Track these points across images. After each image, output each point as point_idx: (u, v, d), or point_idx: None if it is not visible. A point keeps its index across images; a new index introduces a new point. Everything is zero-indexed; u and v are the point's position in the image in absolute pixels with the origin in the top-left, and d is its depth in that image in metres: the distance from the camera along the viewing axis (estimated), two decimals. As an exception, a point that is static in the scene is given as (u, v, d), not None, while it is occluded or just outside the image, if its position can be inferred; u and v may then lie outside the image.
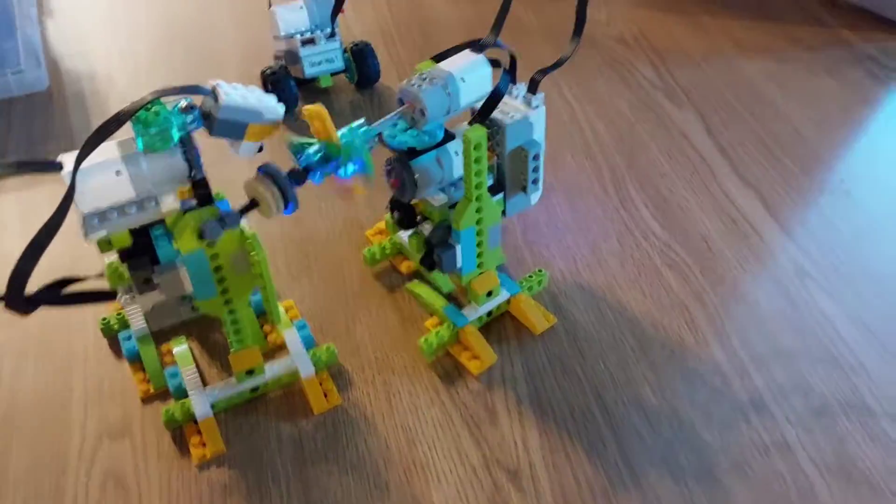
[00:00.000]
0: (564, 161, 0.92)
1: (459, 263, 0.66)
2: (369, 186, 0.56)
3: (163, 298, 0.59)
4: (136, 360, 0.67)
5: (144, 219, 0.52)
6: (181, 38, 1.11)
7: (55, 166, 0.49)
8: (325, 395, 0.65)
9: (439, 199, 0.64)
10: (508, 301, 0.72)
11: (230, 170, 0.70)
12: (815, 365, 0.68)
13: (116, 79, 1.03)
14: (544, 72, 0.63)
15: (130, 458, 0.62)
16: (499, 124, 0.62)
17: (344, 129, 0.56)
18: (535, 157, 0.64)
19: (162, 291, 0.54)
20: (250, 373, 0.63)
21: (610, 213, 0.85)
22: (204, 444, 0.61)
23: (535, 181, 0.66)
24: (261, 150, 0.56)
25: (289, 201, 0.51)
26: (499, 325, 0.73)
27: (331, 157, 0.53)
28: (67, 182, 0.48)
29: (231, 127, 0.52)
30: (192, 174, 0.53)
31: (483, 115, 0.60)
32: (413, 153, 0.61)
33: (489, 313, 0.72)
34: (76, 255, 0.68)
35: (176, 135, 0.50)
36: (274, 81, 0.94)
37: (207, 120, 0.52)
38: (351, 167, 0.54)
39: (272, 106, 0.53)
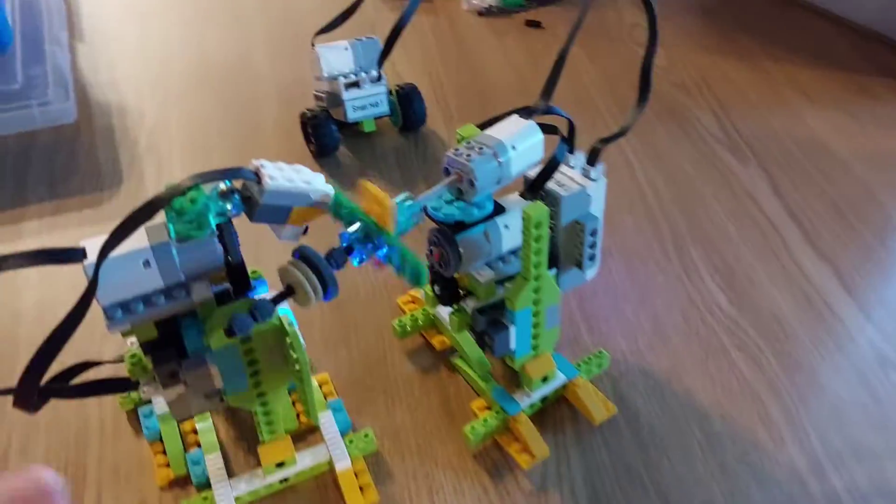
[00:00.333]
0: (622, 222, 0.85)
1: (513, 346, 0.60)
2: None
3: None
4: (156, 440, 0.61)
5: (173, 310, 0.47)
6: (216, 69, 1.06)
7: (77, 255, 0.43)
8: (362, 490, 0.59)
9: (485, 275, 0.58)
10: (565, 386, 0.65)
11: (267, 245, 0.64)
12: (907, 475, 0.61)
13: (147, 113, 0.98)
14: (606, 141, 0.58)
15: (146, 555, 0.56)
16: (554, 196, 0.56)
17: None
18: (593, 233, 0.58)
19: (189, 387, 0.48)
20: (280, 465, 0.57)
21: (672, 282, 0.78)
22: (227, 544, 0.55)
23: (591, 257, 0.60)
24: (305, 232, 0.50)
25: (328, 287, 0.45)
26: (553, 413, 0.66)
27: (371, 236, 0.47)
28: (89, 275, 0.42)
29: (275, 211, 0.46)
30: (228, 259, 0.47)
31: (537, 185, 0.55)
32: (459, 226, 0.55)
33: (543, 399, 0.65)
34: (92, 329, 0.62)
35: (213, 222, 0.45)
36: (315, 125, 0.88)
37: (248, 204, 0.46)
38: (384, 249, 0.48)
39: (320, 187, 0.48)
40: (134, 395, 0.64)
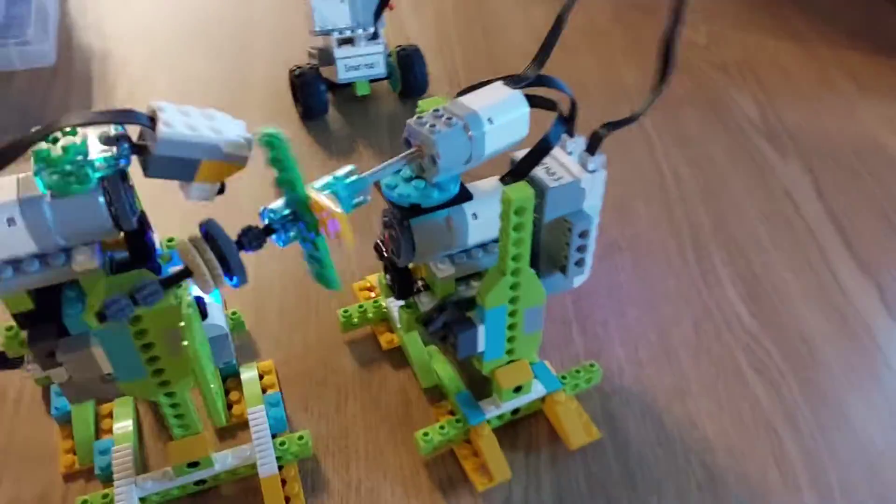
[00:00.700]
0: (635, 210, 0.75)
1: (481, 348, 0.50)
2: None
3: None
4: (66, 423, 0.54)
5: (51, 278, 0.39)
6: (211, 18, 0.98)
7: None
8: (287, 501, 0.51)
9: (444, 270, 0.48)
10: (543, 399, 0.56)
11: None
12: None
13: (131, 61, 0.90)
14: (613, 126, 0.47)
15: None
16: (539, 185, 0.46)
17: (327, 178, 0.41)
18: (583, 235, 0.48)
19: (69, 372, 0.40)
20: (194, 465, 0.49)
21: (686, 288, 0.68)
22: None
23: (578, 262, 0.50)
24: (222, 191, 0.41)
25: (232, 274, 0.37)
26: (529, 427, 0.57)
27: (302, 216, 0.39)
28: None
29: (176, 165, 0.38)
30: (119, 224, 0.38)
31: (522, 170, 0.45)
32: (417, 210, 0.46)
33: (515, 410, 0.56)
34: None
35: (94, 175, 0.36)
36: (302, 84, 0.80)
37: (143, 154, 0.37)
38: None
39: (235, 138, 0.39)
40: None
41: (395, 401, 0.58)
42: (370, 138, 0.82)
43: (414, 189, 0.45)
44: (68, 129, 0.36)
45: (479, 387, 0.56)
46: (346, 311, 0.62)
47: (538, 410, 0.57)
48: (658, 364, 0.62)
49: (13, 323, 0.41)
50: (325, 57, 0.81)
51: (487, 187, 0.48)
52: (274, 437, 0.52)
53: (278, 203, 0.39)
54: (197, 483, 0.51)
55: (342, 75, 0.80)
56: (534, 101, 0.46)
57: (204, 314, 0.45)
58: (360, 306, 0.62)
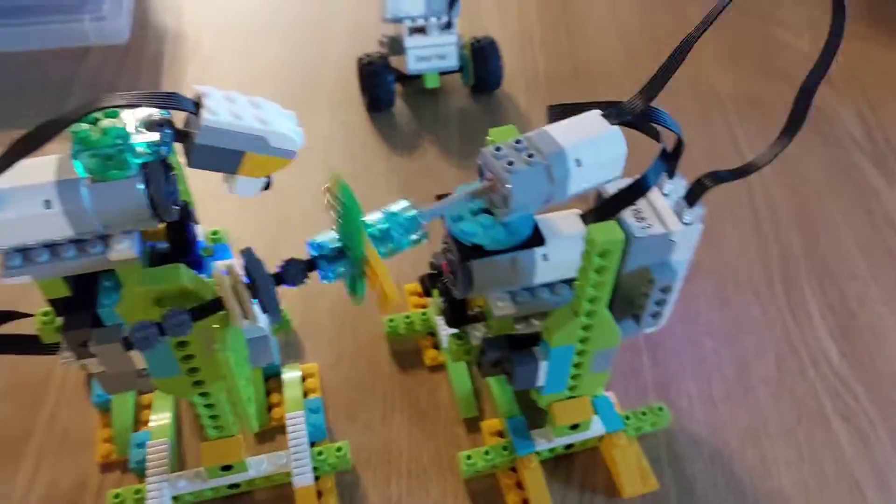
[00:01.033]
0: (721, 231, 0.69)
1: (540, 382, 0.46)
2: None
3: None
4: (106, 411, 0.53)
5: (87, 265, 0.37)
6: (287, 5, 0.96)
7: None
8: (323, 517, 0.48)
9: (503, 308, 0.43)
10: (600, 437, 0.51)
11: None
12: None
13: (203, 42, 0.89)
14: (720, 178, 0.41)
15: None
16: (624, 231, 0.40)
17: (378, 214, 0.38)
18: (665, 290, 0.43)
19: (102, 364, 0.38)
20: (227, 468, 0.47)
21: (771, 319, 0.62)
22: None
23: (655, 315, 0.44)
24: (268, 186, 0.38)
25: (267, 312, 0.35)
26: (584, 463, 0.52)
27: (347, 254, 0.36)
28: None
29: (219, 156, 0.35)
30: (159, 214, 0.36)
31: (608, 211, 0.40)
32: (480, 252, 0.41)
33: (569, 444, 0.52)
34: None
35: (134, 161, 0.34)
36: (370, 73, 0.77)
37: (186, 142, 0.35)
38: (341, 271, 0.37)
39: (284, 131, 0.36)
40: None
41: (444, 417, 0.55)
42: (437, 133, 0.78)
43: (480, 227, 0.40)
44: (109, 111, 0.34)
45: (533, 410, 0.52)
46: (391, 321, 0.58)
47: (595, 447, 0.53)
48: (733, 402, 0.56)
49: (49, 308, 0.39)
50: (396, 46, 0.78)
51: (564, 226, 0.42)
52: (312, 445, 0.50)
53: (327, 236, 0.36)
54: (230, 486, 0.48)
55: (412, 66, 0.76)
56: (634, 124, 0.40)
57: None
58: (407, 317, 0.58)
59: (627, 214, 0.41)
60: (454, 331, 0.49)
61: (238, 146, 0.35)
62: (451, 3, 0.73)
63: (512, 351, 0.43)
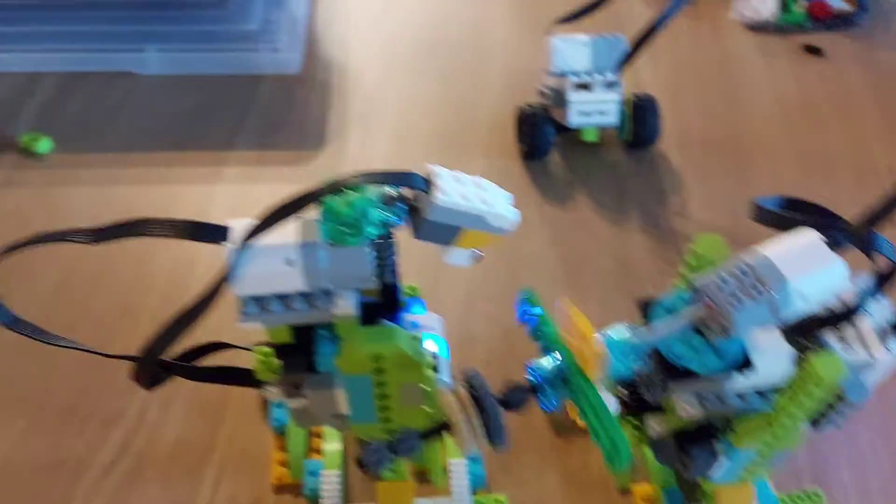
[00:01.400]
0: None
1: (717, 475, 0.46)
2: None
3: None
4: (280, 434, 0.57)
5: (312, 318, 0.40)
6: (447, 42, 1.00)
7: (220, 235, 0.38)
8: (477, 568, 0.50)
9: (689, 410, 0.43)
10: (756, 518, 0.51)
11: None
12: None
13: (368, 77, 0.94)
14: None
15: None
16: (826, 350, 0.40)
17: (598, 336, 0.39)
18: (852, 406, 0.43)
19: (309, 405, 0.42)
20: (399, 509, 0.50)
21: (932, 413, 0.60)
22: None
23: (836, 423, 0.45)
24: (480, 258, 0.41)
25: (493, 438, 0.37)
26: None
27: (567, 381, 0.38)
28: (226, 259, 0.37)
29: (442, 231, 0.38)
30: (382, 277, 0.39)
31: (811, 328, 0.40)
32: (684, 372, 0.41)
33: (725, 521, 0.52)
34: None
35: (370, 232, 0.37)
36: (531, 123, 0.79)
37: (414, 216, 0.38)
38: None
39: (501, 212, 0.39)
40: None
41: (596, 479, 0.56)
42: (591, 186, 0.79)
43: (692, 351, 0.39)
44: (354, 185, 0.37)
45: (682, 479, 0.53)
46: None
47: (748, 526, 0.53)
48: (888, 497, 0.55)
49: (268, 350, 0.43)
50: (557, 98, 0.80)
51: (768, 344, 0.41)
52: (473, 493, 0.52)
53: (549, 361, 0.38)
54: (395, 525, 0.51)
55: (573, 120, 0.78)
56: (840, 230, 0.39)
57: (435, 369, 0.46)
58: None
59: (830, 334, 0.41)
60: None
61: (460, 223, 0.38)
62: (622, 63, 0.75)
63: (691, 440, 0.44)
